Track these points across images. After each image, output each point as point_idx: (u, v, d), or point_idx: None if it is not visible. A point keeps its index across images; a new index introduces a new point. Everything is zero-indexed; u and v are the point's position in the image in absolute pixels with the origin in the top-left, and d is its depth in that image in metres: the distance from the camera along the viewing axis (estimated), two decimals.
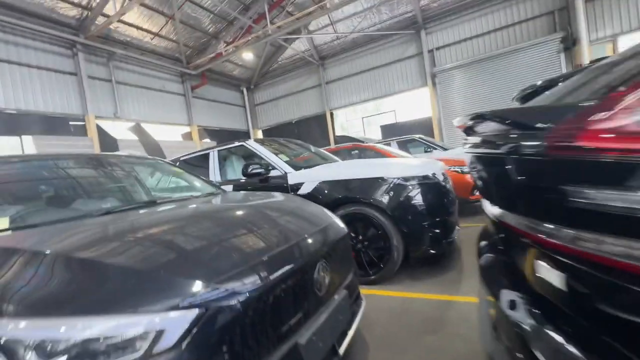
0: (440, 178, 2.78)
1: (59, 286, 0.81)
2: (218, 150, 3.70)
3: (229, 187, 3.38)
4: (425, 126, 11.17)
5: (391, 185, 2.54)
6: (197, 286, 0.85)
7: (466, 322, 1.84)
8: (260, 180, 3.14)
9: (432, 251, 2.50)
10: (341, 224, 1.72)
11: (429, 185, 2.61)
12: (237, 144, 3.55)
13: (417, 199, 2.50)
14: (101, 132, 9.01)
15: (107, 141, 9.08)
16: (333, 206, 2.69)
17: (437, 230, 2.53)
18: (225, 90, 14.06)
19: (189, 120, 12.08)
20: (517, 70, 9.88)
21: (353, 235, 2.61)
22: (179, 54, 11.17)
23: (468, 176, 4.38)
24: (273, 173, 3.12)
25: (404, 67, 11.74)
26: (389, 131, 12.09)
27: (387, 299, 2.31)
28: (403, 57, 11.70)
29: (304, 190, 2.87)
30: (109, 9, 8.18)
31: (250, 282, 0.93)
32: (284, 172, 3.06)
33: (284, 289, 1.03)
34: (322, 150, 4.10)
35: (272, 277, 1.00)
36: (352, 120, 14.28)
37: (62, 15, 8.18)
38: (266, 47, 12.98)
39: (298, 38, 12.55)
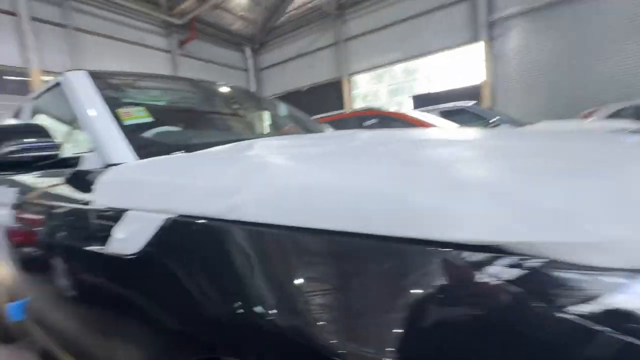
0: None
1: None
2: (34, 100, 1.57)
3: None
4: (472, 96, 8.47)
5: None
6: None
7: None
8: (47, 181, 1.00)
9: None
10: None
11: None
12: (53, 83, 1.39)
13: None
14: None
15: None
16: None
17: None
18: (223, 49, 11.76)
19: None
20: (615, 19, 6.87)
21: None
22: None
23: None
24: (86, 162, 0.96)
25: (448, 16, 8.87)
26: (422, 103, 9.46)
27: None
28: (447, 3, 8.82)
29: (119, 242, 0.70)
30: None
31: None
32: (105, 163, 0.90)
33: None
34: (304, 116, 1.84)
35: None
36: (377, 89, 11.65)
37: None
38: None
39: None
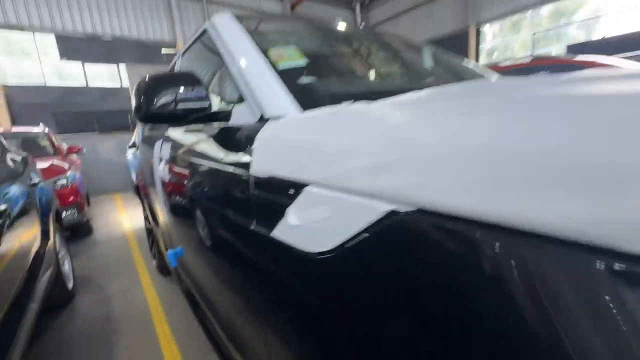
0: None
1: None
2: (183, 53, 1.57)
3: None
4: None
5: None
6: None
7: None
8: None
9: None
10: None
11: None
12: (199, 32, 1.30)
13: None
14: None
15: None
16: None
17: None
18: (331, 8, 11.31)
19: None
20: None
21: None
22: None
23: None
24: (237, 116, 0.81)
25: None
26: (583, 53, 7.16)
27: None
28: None
29: (293, 230, 0.49)
30: None
31: None
32: (259, 116, 0.71)
33: None
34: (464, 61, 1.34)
35: None
36: (508, 41, 9.42)
37: None
38: None
39: None
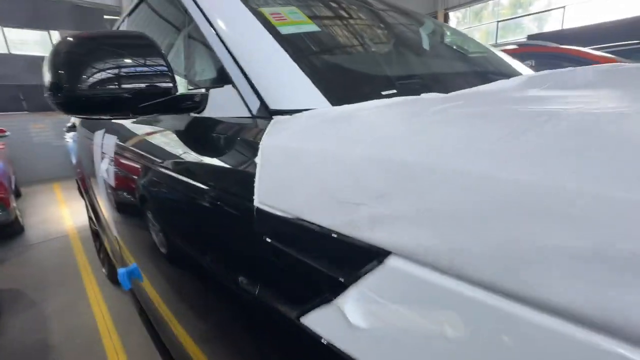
0: None
1: None
2: (129, 14, 1.21)
3: None
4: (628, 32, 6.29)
5: None
6: None
7: None
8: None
9: None
10: None
11: None
12: None
13: None
14: None
15: None
16: None
17: None
18: None
19: None
20: None
21: None
22: None
23: None
24: (215, 104, 0.56)
25: None
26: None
27: None
28: None
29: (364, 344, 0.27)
30: None
31: None
32: (256, 106, 0.47)
33: None
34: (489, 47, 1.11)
35: None
36: (468, 31, 9.62)
37: None
38: None
39: None
